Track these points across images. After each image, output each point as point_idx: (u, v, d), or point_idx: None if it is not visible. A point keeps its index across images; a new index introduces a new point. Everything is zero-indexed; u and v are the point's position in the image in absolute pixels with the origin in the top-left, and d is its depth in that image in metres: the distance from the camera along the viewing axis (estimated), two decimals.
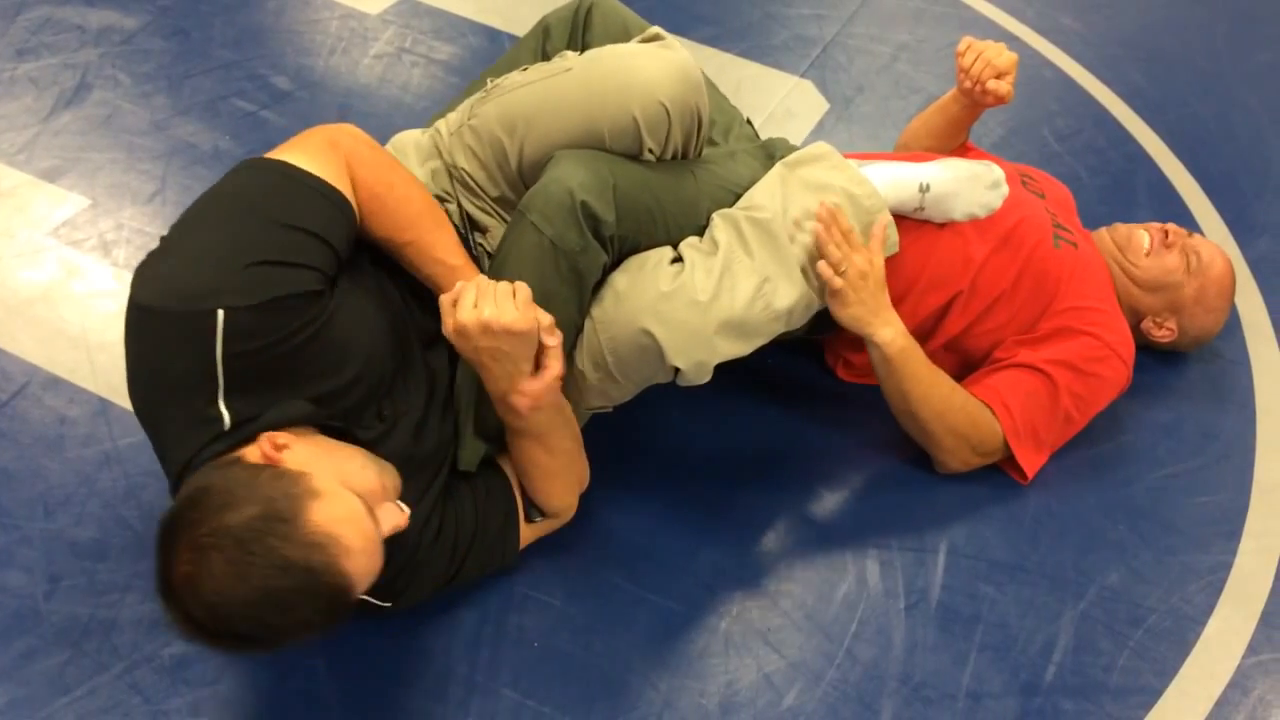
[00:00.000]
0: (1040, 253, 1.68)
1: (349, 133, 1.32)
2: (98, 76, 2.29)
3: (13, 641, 1.40)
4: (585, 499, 1.53)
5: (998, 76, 1.64)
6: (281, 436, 1.13)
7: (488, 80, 1.53)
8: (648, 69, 1.36)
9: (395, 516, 1.14)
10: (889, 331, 1.54)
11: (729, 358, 1.38)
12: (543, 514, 1.47)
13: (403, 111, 2.29)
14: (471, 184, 1.46)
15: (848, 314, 1.51)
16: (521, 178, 1.43)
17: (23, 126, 2.15)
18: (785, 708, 1.42)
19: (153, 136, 2.16)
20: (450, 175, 1.48)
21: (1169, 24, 2.87)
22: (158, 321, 1.13)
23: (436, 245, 1.33)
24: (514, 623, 1.47)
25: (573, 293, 1.34)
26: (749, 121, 1.75)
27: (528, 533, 1.48)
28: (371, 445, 1.24)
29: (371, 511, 1.11)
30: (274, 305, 1.14)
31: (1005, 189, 1.65)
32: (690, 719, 1.39)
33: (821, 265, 1.47)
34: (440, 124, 1.52)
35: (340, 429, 1.23)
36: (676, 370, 1.36)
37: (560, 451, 1.42)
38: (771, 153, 1.59)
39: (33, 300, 1.83)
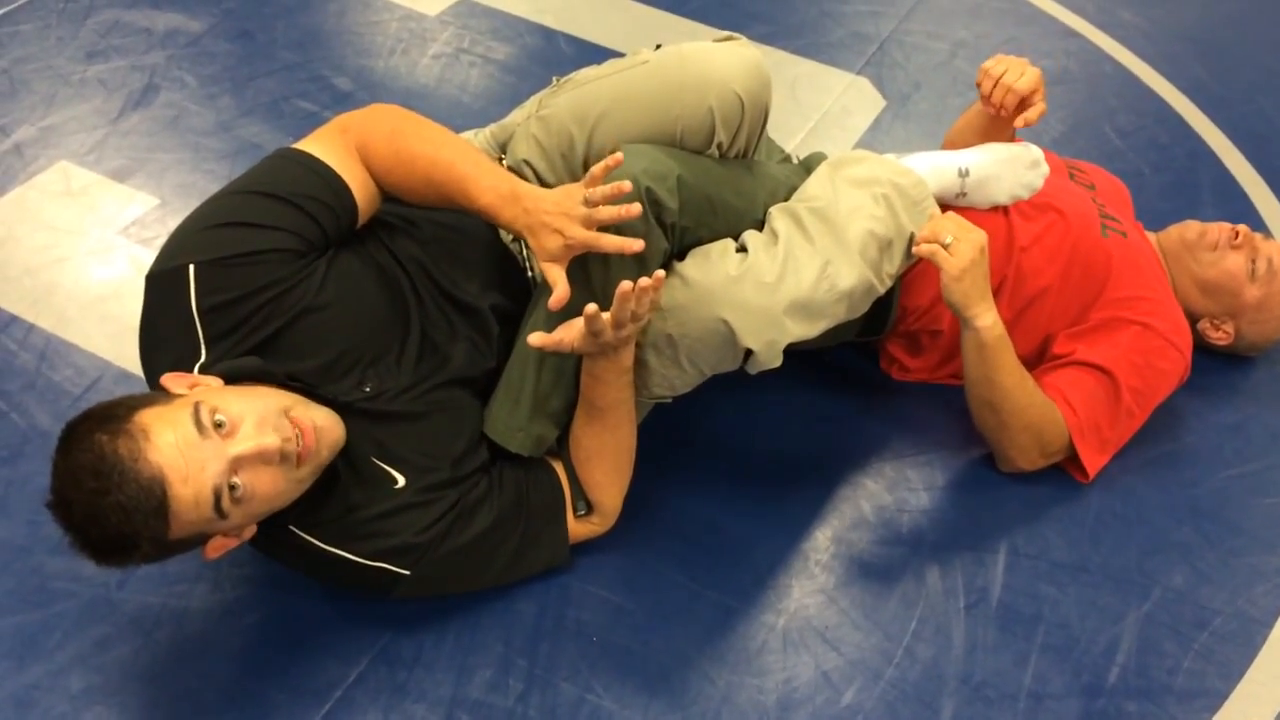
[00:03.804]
0: (1088, 241, 1.67)
1: (364, 115, 1.38)
2: (164, 78, 2.34)
3: (88, 629, 1.44)
4: (642, 494, 1.55)
5: (1023, 99, 1.62)
6: (205, 377, 1.22)
7: (555, 79, 1.54)
8: (725, 62, 1.39)
9: (260, 438, 1.16)
10: (992, 317, 1.51)
11: (798, 339, 1.38)
12: (590, 507, 1.48)
13: (461, 111, 2.31)
14: (528, 173, 1.48)
15: (959, 289, 1.48)
16: (585, 169, 1.45)
17: (93, 128, 2.21)
18: (844, 705, 1.42)
19: (218, 137, 2.21)
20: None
21: (1232, 18, 2.82)
22: (149, 285, 1.28)
23: (470, 194, 1.33)
24: (572, 617, 1.48)
25: (635, 276, 1.35)
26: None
27: (576, 529, 1.49)
28: (347, 406, 1.30)
29: (234, 429, 1.15)
30: (240, 260, 1.25)
31: (1045, 168, 1.64)
32: (749, 715, 1.40)
33: (923, 238, 1.46)
34: (506, 119, 1.54)
35: (305, 389, 1.28)
36: (748, 354, 1.37)
37: (623, 434, 1.45)
38: (810, 166, 1.60)
39: (104, 297, 1.88)
